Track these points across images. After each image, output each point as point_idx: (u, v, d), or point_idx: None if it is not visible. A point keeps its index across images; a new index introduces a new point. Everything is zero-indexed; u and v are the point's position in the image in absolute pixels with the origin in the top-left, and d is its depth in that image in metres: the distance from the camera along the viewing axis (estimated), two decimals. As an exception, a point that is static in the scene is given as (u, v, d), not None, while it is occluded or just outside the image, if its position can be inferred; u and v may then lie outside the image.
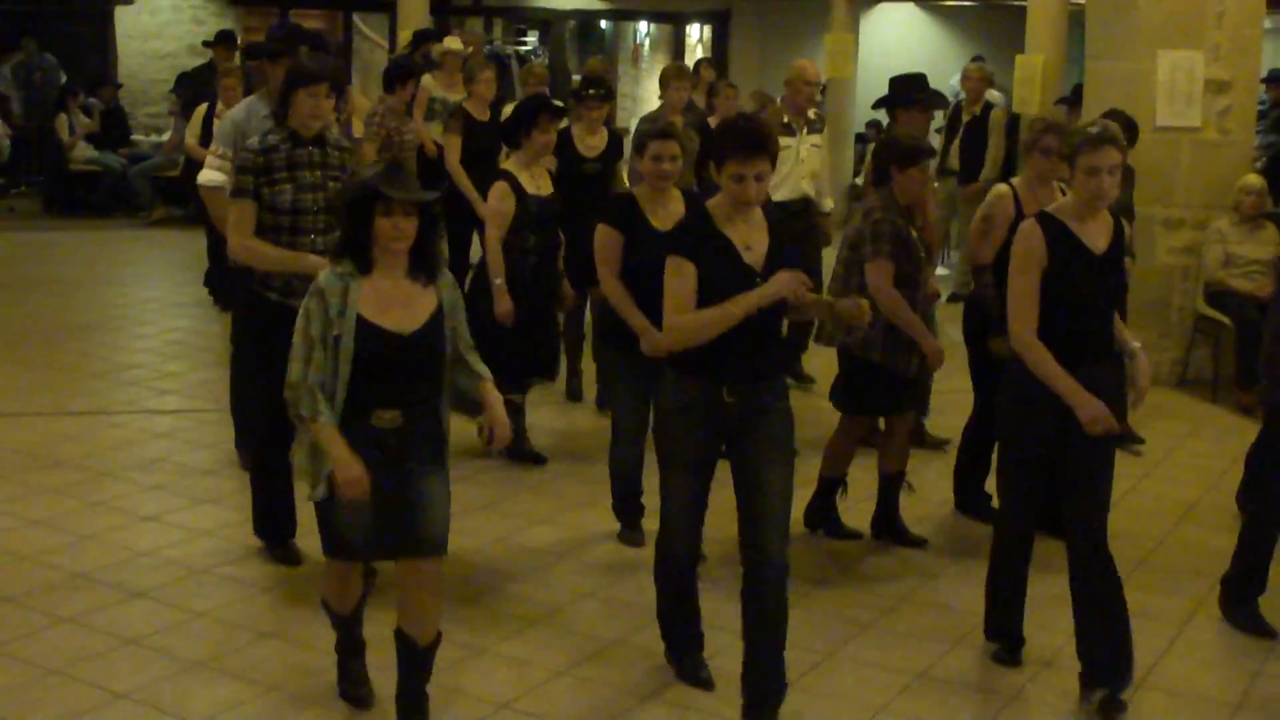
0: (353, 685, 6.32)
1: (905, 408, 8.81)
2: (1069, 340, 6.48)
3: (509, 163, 9.66)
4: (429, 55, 15.65)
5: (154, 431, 10.34)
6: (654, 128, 8.53)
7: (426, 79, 13.68)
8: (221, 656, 6.79)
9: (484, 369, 6.04)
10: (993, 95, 16.20)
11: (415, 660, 5.93)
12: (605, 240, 8.20)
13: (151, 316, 14.07)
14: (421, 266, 5.78)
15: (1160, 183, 11.87)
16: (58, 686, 6.43)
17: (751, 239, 6.28)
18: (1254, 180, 11.93)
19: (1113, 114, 9.50)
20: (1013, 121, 16.58)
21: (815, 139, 11.35)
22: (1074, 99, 14.53)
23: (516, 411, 9.60)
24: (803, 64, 12.24)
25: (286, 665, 6.75)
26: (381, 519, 5.71)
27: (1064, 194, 7.87)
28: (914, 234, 8.44)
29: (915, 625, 7.53)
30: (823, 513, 8.88)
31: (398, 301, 5.73)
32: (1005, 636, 7.08)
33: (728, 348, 6.09)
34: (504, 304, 9.14)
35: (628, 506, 8.62)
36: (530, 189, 9.39)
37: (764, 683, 6.20)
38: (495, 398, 6.02)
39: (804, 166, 10.96)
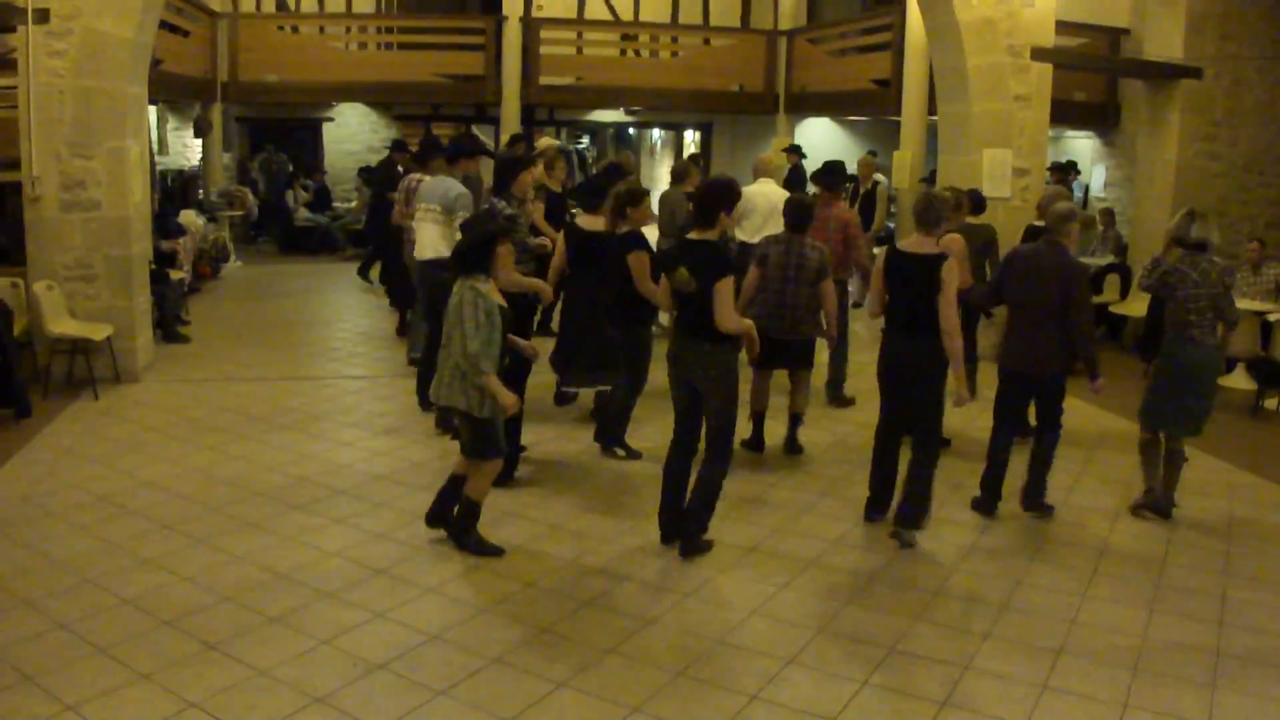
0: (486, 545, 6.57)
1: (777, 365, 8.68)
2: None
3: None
4: (519, 149, 15.78)
5: (349, 390, 10.41)
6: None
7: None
8: (392, 530, 6.94)
9: None
10: (879, 176, 16.22)
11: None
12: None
13: (345, 316, 14.15)
14: None
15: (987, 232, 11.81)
16: (286, 515, 6.67)
17: None
18: (1043, 231, 12.05)
19: (950, 189, 9.49)
20: (893, 194, 16.73)
21: None
22: (931, 180, 14.66)
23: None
24: (761, 155, 12.33)
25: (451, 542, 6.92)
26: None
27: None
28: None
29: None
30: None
31: None
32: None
33: None
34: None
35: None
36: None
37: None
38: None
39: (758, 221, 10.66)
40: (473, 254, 6.34)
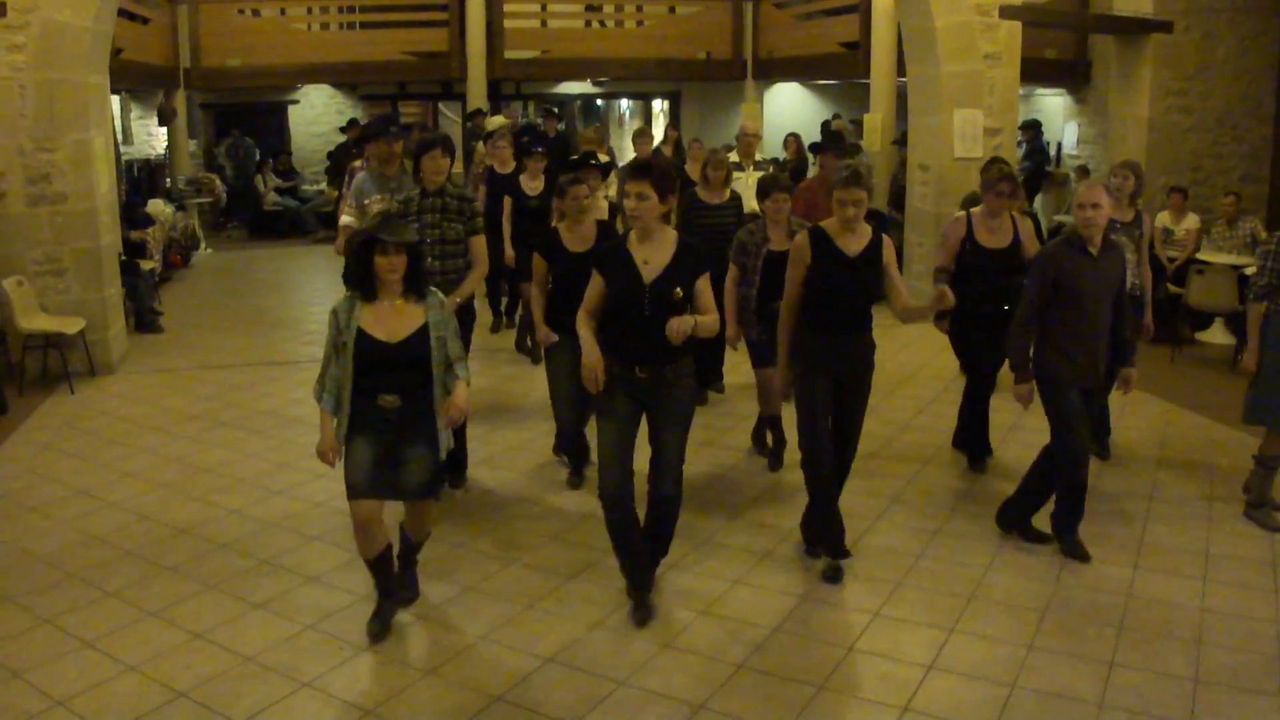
0: (376, 621, 5.53)
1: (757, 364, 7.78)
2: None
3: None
4: (478, 123, 15.81)
5: (325, 374, 10.38)
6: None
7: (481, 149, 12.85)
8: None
9: (464, 373, 5.43)
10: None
11: (409, 547, 5.78)
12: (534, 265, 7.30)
13: (318, 299, 14.09)
14: (412, 290, 5.33)
15: (957, 193, 11.62)
16: (267, 500, 6.70)
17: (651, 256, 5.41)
18: (1017, 191, 12.05)
19: (992, 161, 9.17)
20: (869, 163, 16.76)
21: (761, 173, 9.62)
22: (902, 141, 14.69)
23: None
24: (744, 123, 12.14)
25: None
26: (380, 471, 5.31)
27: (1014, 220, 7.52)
28: (763, 247, 7.44)
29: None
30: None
31: (390, 318, 5.29)
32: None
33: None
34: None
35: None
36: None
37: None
38: (459, 392, 5.35)
39: (751, 191, 9.33)
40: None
